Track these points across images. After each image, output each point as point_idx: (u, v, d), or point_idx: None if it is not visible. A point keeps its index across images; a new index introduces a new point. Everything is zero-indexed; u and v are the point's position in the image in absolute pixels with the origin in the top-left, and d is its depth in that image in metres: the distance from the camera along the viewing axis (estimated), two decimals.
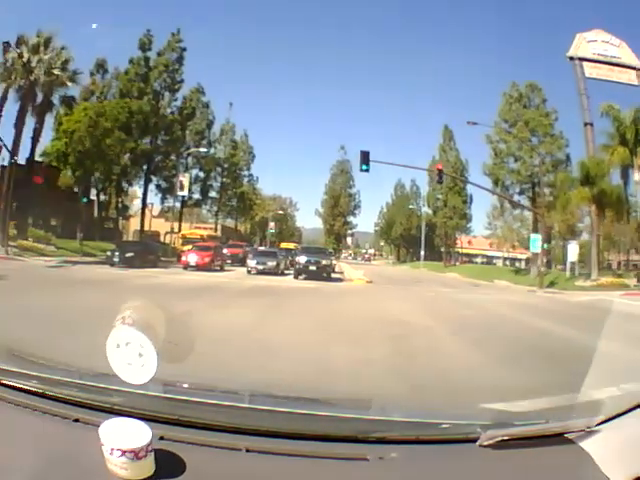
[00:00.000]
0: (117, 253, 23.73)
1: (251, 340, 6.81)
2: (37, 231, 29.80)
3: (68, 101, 32.27)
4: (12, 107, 29.89)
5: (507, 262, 61.22)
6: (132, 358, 1.16)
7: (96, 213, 40.95)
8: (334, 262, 24.46)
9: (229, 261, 30.16)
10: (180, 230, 42.51)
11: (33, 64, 29.76)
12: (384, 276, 30.46)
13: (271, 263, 24.29)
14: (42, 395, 1.40)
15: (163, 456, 1.11)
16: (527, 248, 33.71)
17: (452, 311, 13.15)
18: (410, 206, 64.63)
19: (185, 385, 1.67)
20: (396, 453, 1.22)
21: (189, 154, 44.49)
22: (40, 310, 8.16)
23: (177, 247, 35.42)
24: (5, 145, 26.23)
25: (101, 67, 41.13)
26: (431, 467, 1.21)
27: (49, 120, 32.29)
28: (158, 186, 43.70)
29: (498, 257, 63.87)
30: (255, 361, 5.39)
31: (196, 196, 48.18)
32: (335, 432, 1.30)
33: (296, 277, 22.22)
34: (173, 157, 42.53)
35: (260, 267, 23.82)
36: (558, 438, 1.27)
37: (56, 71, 30.20)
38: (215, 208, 51.99)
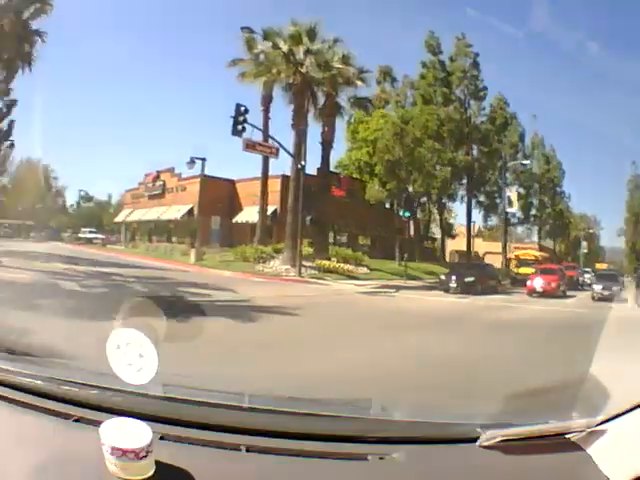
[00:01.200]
0: (454, 277, 20.43)
1: None
2: (343, 250, 25.04)
3: (362, 103, 27.08)
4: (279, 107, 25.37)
5: None
6: (132, 358, 1.17)
7: (412, 231, 36.29)
8: None
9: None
10: (506, 251, 38.49)
11: (299, 56, 24.21)
12: None
13: (615, 288, 22.03)
14: (43, 395, 1.40)
15: (163, 456, 1.11)
16: None
17: None
18: None
19: (185, 385, 1.67)
20: (396, 453, 1.22)
21: (507, 168, 40.24)
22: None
23: (510, 269, 31.79)
24: (286, 150, 22.11)
25: (388, 75, 37.86)
26: (431, 467, 1.21)
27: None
28: (479, 202, 40.16)
29: None
30: None
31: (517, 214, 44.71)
32: (335, 432, 1.30)
33: None
34: (490, 171, 38.81)
35: (606, 292, 21.11)
36: (558, 438, 1.27)
37: (337, 64, 24.53)
38: (535, 227, 48.47)
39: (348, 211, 27.52)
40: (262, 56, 25.00)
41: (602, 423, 1.28)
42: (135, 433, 1.07)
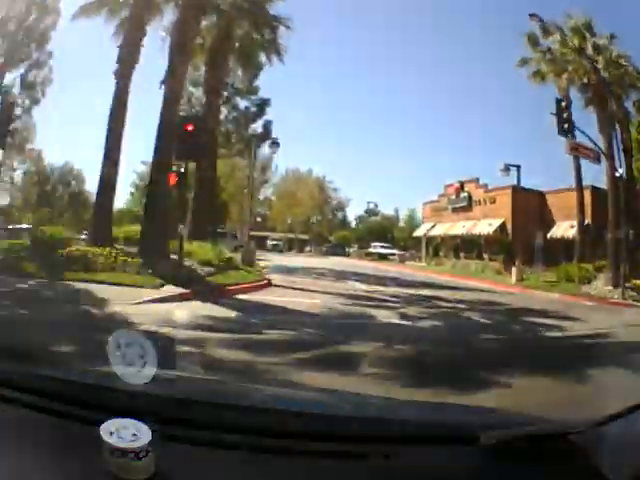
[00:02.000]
0: None
1: None
2: None
3: None
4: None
5: None
6: (133, 359, 1.17)
7: None
8: None
9: None
10: None
11: (588, 52, 22.17)
12: None
13: None
14: (42, 394, 1.40)
15: (163, 456, 1.10)
16: None
17: None
18: None
19: (185, 385, 1.67)
20: (396, 453, 1.22)
21: None
22: None
23: None
24: (606, 155, 20.66)
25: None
26: (431, 467, 1.21)
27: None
28: None
29: None
30: None
31: None
32: (335, 432, 1.30)
33: None
34: None
35: None
36: (558, 438, 1.27)
37: (624, 62, 22.58)
38: None
39: None
40: (547, 54, 23.25)
41: (602, 423, 1.28)
42: (135, 433, 1.07)
